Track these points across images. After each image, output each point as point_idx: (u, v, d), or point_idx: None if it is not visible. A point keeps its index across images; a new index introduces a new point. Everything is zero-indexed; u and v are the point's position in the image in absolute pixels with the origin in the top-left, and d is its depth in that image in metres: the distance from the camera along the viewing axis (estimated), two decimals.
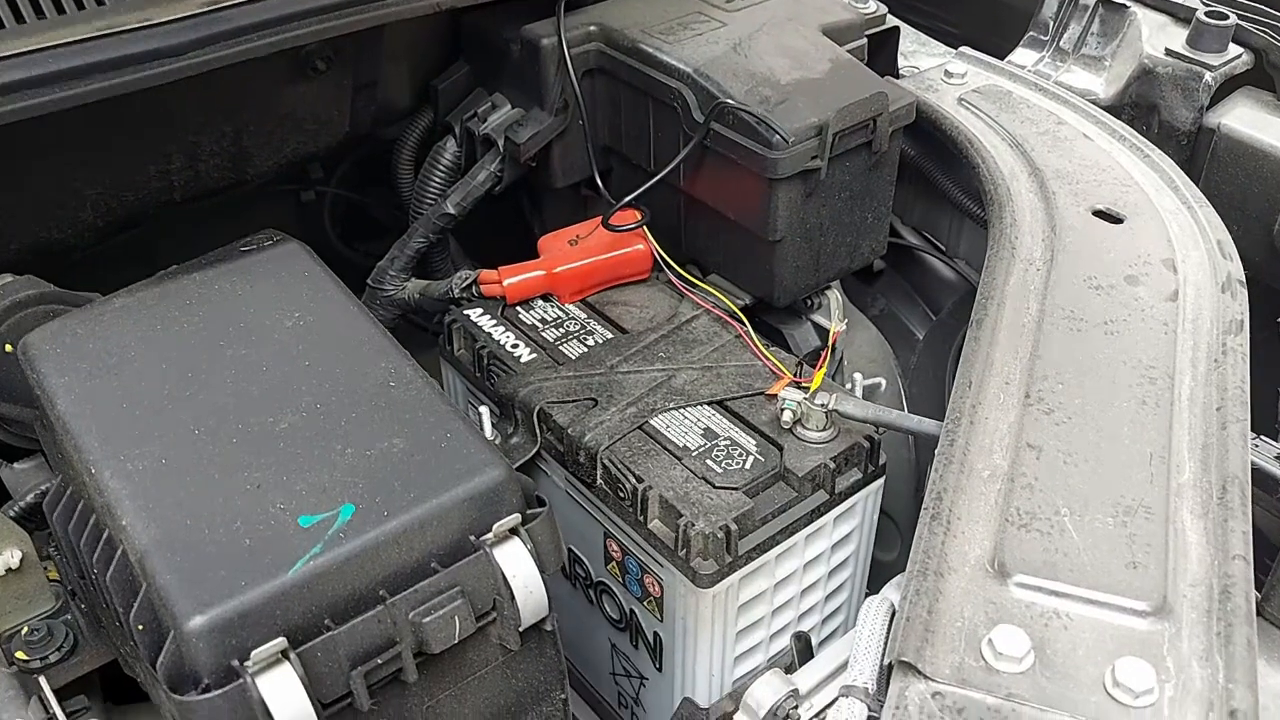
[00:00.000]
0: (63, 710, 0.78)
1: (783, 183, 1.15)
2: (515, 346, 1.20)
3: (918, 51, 1.48)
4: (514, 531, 0.78)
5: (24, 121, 0.94)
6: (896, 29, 1.40)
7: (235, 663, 0.67)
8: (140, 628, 0.71)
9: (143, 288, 0.93)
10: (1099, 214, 1.17)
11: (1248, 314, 1.03)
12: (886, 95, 1.17)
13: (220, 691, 0.66)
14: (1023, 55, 1.49)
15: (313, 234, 1.60)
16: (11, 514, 0.97)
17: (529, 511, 0.80)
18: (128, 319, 0.88)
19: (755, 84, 1.18)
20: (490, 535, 0.77)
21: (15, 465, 1.06)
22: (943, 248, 1.54)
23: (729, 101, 1.15)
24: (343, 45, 1.16)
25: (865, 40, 1.34)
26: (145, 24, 0.99)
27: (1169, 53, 1.38)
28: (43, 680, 0.80)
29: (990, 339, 1.02)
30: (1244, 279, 1.07)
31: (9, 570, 0.94)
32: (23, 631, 0.94)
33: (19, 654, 0.93)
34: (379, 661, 0.72)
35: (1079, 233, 1.14)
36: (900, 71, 1.44)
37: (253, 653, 0.67)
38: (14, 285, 1.02)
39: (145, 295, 0.91)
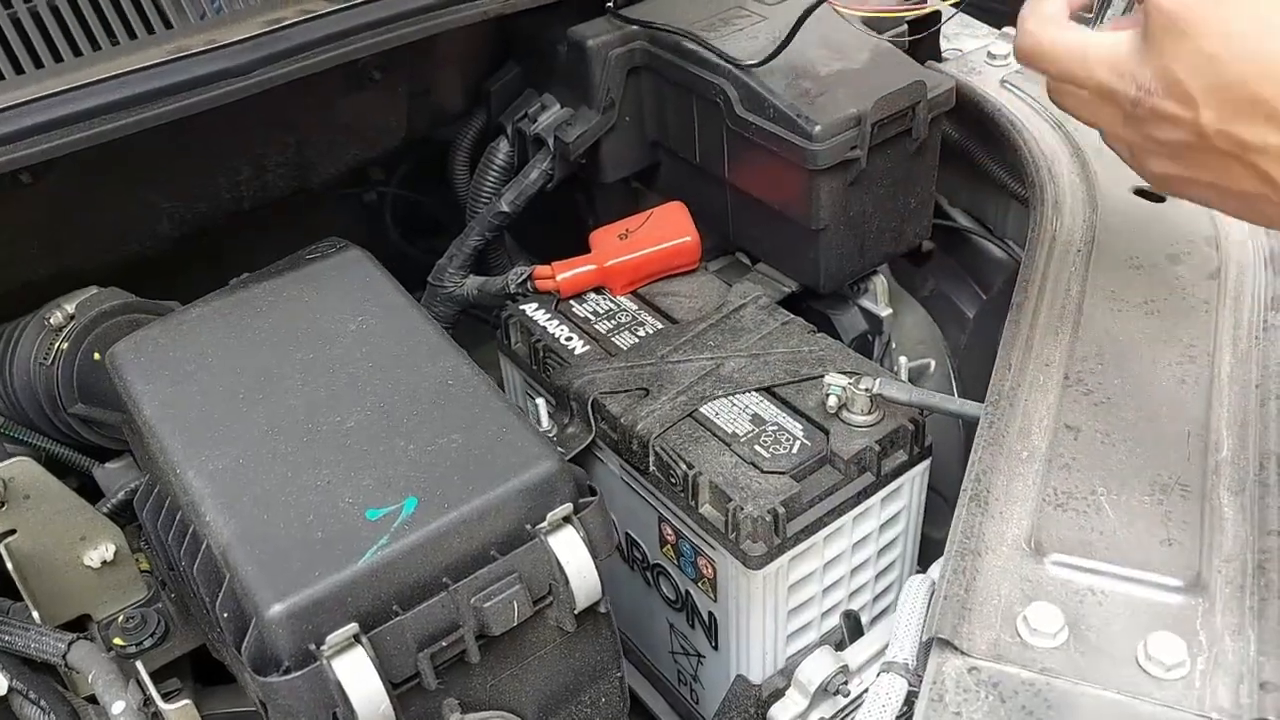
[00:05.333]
0: (158, 691, 0.85)
1: (824, 173, 1.17)
2: (569, 339, 1.24)
3: (961, 34, 1.49)
4: (567, 520, 0.82)
5: (105, 143, 1.00)
6: (937, 13, 1.41)
7: (312, 647, 0.73)
8: (225, 615, 0.78)
9: (217, 297, 0.99)
10: (1141, 193, 1.17)
11: None
12: (924, 83, 1.19)
13: (299, 673, 0.72)
14: None
15: (375, 233, 1.67)
16: (105, 510, 1.05)
17: (581, 500, 0.85)
18: (204, 328, 0.94)
19: (795, 77, 1.21)
20: (545, 524, 0.82)
21: (106, 465, 1.14)
22: (991, 228, 1.55)
23: (769, 97, 1.18)
24: (397, 55, 1.21)
25: (906, 26, 1.36)
26: (211, 46, 1.05)
27: None
28: (139, 664, 0.87)
29: (1030, 321, 1.04)
30: None
31: (104, 563, 1.01)
32: (119, 619, 1.02)
33: (116, 640, 1.00)
34: (444, 644, 0.77)
35: (1120, 213, 1.15)
36: (944, 55, 1.45)
37: (328, 638, 0.72)
38: (99, 296, 1.10)
39: (220, 304, 0.97)
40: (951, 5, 1.43)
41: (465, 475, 0.81)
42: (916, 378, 1.46)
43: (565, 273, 1.29)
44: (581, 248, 1.34)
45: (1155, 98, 0.68)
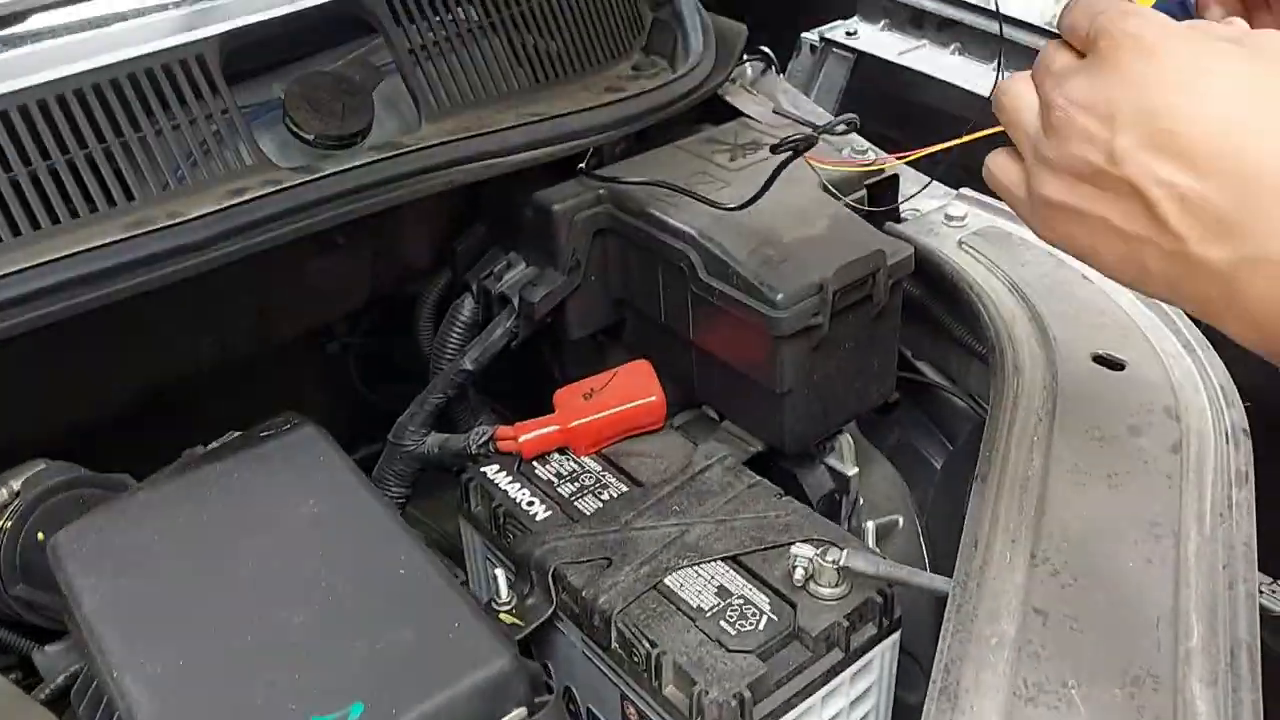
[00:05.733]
0: None
1: (787, 339, 1.18)
2: (530, 504, 1.22)
3: (919, 194, 1.52)
4: None
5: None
6: (895, 176, 1.45)
7: None
8: None
9: (165, 479, 0.97)
10: (1100, 359, 1.18)
11: (1252, 464, 1.04)
12: (884, 252, 1.20)
13: None
14: None
15: (339, 384, 1.66)
16: (42, 698, 1.00)
17: (536, 700, 0.82)
18: (150, 515, 0.92)
19: (758, 244, 1.22)
20: None
21: (47, 649, 1.09)
22: (954, 380, 1.56)
23: (732, 263, 1.20)
24: (362, 221, 1.22)
25: (865, 190, 1.38)
26: (173, 221, 1.05)
27: None
28: None
29: (995, 494, 1.03)
30: (1247, 427, 1.08)
31: None
32: None
33: None
34: None
35: (1080, 380, 1.16)
36: (902, 215, 1.48)
37: None
38: (46, 472, 1.07)
39: (167, 490, 0.95)
40: (908, 164, 1.47)
41: (415, 676, 0.79)
42: (884, 536, 1.45)
43: (528, 434, 1.28)
44: (547, 400, 1.33)
45: (1077, 109, 0.67)
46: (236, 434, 1.14)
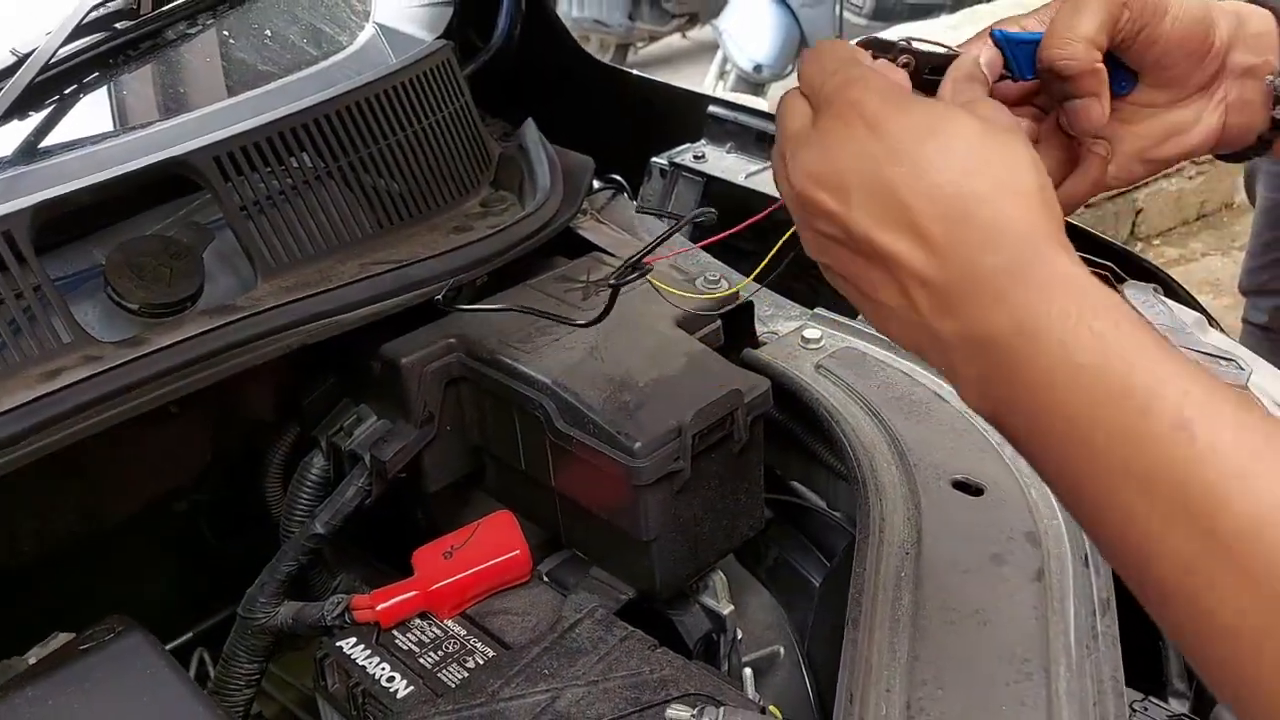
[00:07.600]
0: None
1: (648, 487, 1.15)
2: (391, 680, 1.15)
3: (775, 315, 1.53)
4: None
5: None
6: (750, 304, 1.45)
7: None
8: None
9: None
10: (958, 485, 1.19)
11: (1113, 590, 1.04)
12: (740, 392, 1.19)
13: None
14: None
15: (189, 540, 1.56)
16: None
17: None
18: None
19: (614, 390, 1.20)
20: None
21: None
22: (824, 497, 1.55)
23: (588, 412, 1.17)
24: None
25: (719, 322, 1.38)
26: None
27: None
28: None
29: (867, 640, 1.01)
30: None
31: None
32: None
33: None
34: None
35: (942, 509, 1.16)
36: (760, 338, 1.48)
37: None
38: None
39: None
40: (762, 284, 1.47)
41: None
42: (765, 668, 1.42)
43: (385, 602, 1.21)
44: (411, 543, 1.26)
45: (811, 184, 0.66)
46: (61, 635, 1.04)
